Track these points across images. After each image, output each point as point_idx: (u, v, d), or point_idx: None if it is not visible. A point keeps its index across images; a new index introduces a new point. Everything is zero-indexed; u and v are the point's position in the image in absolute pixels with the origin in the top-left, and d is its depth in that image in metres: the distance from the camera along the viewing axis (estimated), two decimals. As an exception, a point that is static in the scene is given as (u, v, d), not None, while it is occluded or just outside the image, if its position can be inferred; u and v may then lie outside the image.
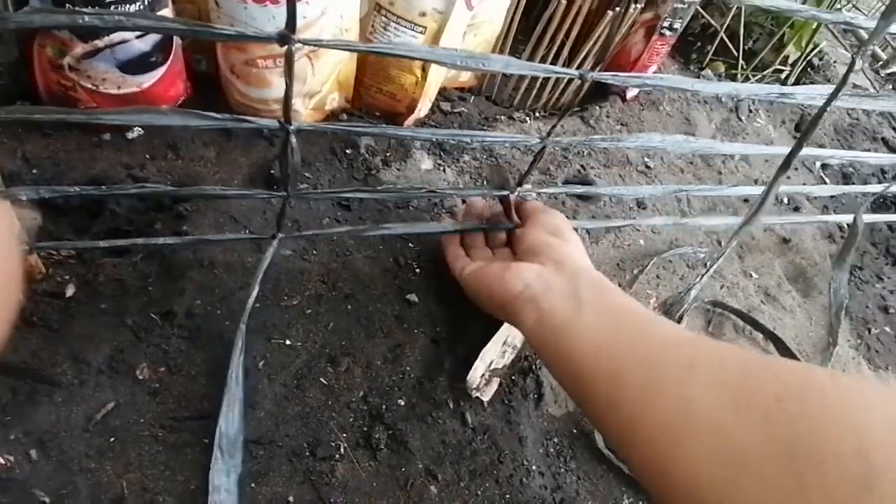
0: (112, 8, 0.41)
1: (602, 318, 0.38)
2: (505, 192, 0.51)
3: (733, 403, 0.27)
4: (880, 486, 0.22)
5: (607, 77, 0.40)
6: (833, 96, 0.46)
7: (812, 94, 0.47)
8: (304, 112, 0.58)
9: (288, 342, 0.47)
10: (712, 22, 0.99)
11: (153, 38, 0.47)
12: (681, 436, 0.28)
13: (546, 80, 0.78)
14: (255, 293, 0.44)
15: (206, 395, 0.42)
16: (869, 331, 0.77)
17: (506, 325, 0.54)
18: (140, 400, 0.41)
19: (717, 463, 0.26)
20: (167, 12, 0.46)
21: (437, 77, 0.64)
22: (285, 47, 0.32)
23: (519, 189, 0.52)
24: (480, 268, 0.48)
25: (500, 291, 0.44)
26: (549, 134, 0.45)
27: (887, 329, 0.78)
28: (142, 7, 0.42)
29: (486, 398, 0.50)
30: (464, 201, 0.61)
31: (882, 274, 0.86)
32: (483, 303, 0.47)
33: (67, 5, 0.42)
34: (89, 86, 0.46)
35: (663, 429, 0.29)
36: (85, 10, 0.28)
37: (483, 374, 0.50)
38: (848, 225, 0.90)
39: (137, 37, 0.45)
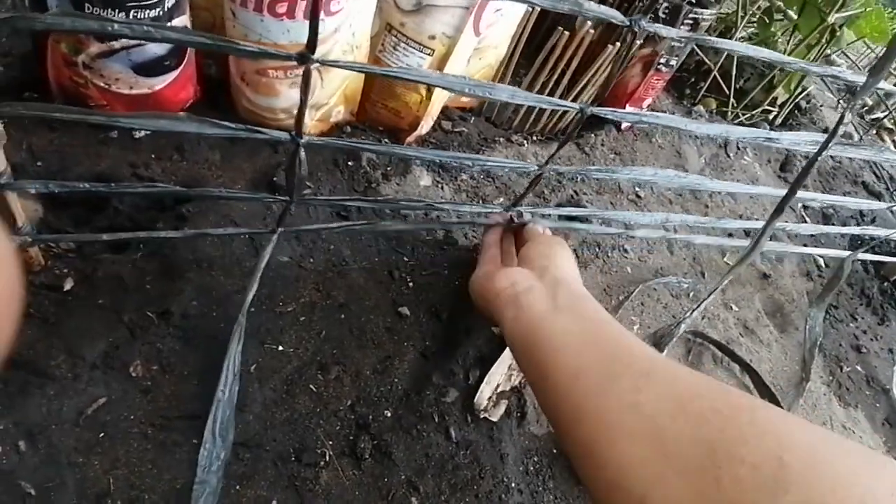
0: (132, 13, 0.42)
1: (575, 321, 0.39)
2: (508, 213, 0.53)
3: (674, 411, 0.30)
4: (796, 489, 0.24)
5: (606, 112, 0.42)
6: (824, 147, 0.49)
7: (797, 141, 0.50)
8: (310, 123, 0.59)
9: (280, 348, 0.48)
10: (706, 60, 1.02)
11: (169, 47, 0.48)
12: (622, 434, 0.30)
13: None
14: (254, 289, 0.45)
15: (197, 396, 0.43)
16: (841, 368, 0.80)
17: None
18: (132, 397, 0.41)
19: (647, 461, 0.28)
20: (185, 19, 0.47)
21: (441, 97, 0.66)
22: (303, 65, 0.33)
23: (515, 210, 0.54)
24: (481, 271, 0.50)
25: (487, 288, 0.46)
26: (547, 162, 0.46)
27: (859, 368, 0.81)
28: (161, 13, 0.43)
29: (494, 419, 0.52)
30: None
31: (856, 314, 0.89)
32: (477, 303, 0.49)
33: (87, 5, 0.43)
34: (102, 84, 0.47)
35: (607, 426, 0.31)
36: (114, 18, 0.29)
37: (490, 397, 0.52)
38: (826, 264, 0.93)
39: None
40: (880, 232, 0.83)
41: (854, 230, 0.78)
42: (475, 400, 0.51)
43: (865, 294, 0.92)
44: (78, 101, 0.49)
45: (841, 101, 1.41)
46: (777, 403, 0.69)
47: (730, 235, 0.87)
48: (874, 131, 1.62)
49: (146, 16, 0.43)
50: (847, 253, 0.81)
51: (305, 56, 0.33)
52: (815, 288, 0.90)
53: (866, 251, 0.89)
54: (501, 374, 0.53)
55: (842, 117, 0.44)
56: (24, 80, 0.52)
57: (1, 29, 0.29)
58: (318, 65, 0.33)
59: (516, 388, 0.54)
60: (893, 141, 1.60)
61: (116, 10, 0.42)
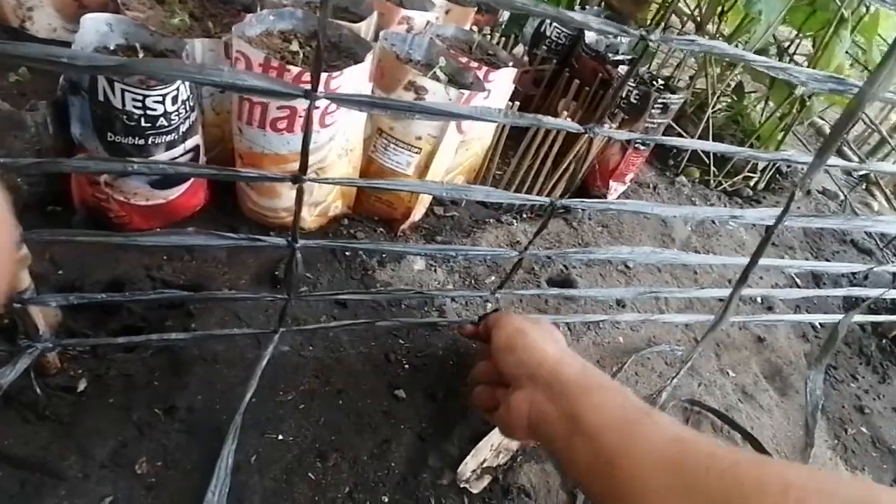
0: (150, 139, 0.47)
1: (589, 445, 0.40)
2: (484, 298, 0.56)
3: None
4: None
5: (574, 202, 0.46)
6: (778, 221, 0.52)
7: (761, 217, 0.54)
8: (310, 218, 0.64)
9: (280, 437, 0.50)
10: (684, 134, 1.08)
11: (182, 161, 0.53)
12: None
13: (532, 185, 0.85)
14: (252, 388, 0.47)
15: (199, 491, 0.44)
16: (846, 431, 0.79)
17: None
18: (136, 494, 0.43)
19: None
20: (197, 138, 0.53)
21: (431, 187, 0.71)
22: (296, 184, 0.38)
23: (499, 293, 0.57)
24: (495, 416, 0.49)
25: (516, 433, 0.46)
26: (526, 248, 0.50)
27: (863, 429, 0.80)
28: (176, 137, 0.49)
29: (475, 491, 0.52)
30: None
31: (856, 374, 0.89)
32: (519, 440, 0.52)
33: (109, 134, 0.48)
34: (122, 199, 0.52)
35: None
36: (134, 159, 0.34)
37: (474, 470, 0.53)
38: (821, 324, 0.94)
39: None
40: (871, 292, 0.84)
41: (844, 291, 0.80)
42: (458, 470, 0.52)
43: (864, 353, 0.92)
44: (99, 214, 0.54)
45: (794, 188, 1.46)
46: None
47: (721, 300, 0.89)
48: (864, 185, 1.66)
49: (163, 140, 0.49)
50: (841, 316, 0.82)
51: (297, 177, 0.37)
52: (813, 349, 0.90)
53: (863, 312, 0.90)
54: (490, 449, 0.54)
55: (792, 195, 0.47)
56: (48, 195, 0.57)
57: (31, 170, 0.33)
58: (309, 182, 0.38)
59: (506, 466, 0.55)
60: (885, 195, 1.64)
61: (136, 138, 0.47)
